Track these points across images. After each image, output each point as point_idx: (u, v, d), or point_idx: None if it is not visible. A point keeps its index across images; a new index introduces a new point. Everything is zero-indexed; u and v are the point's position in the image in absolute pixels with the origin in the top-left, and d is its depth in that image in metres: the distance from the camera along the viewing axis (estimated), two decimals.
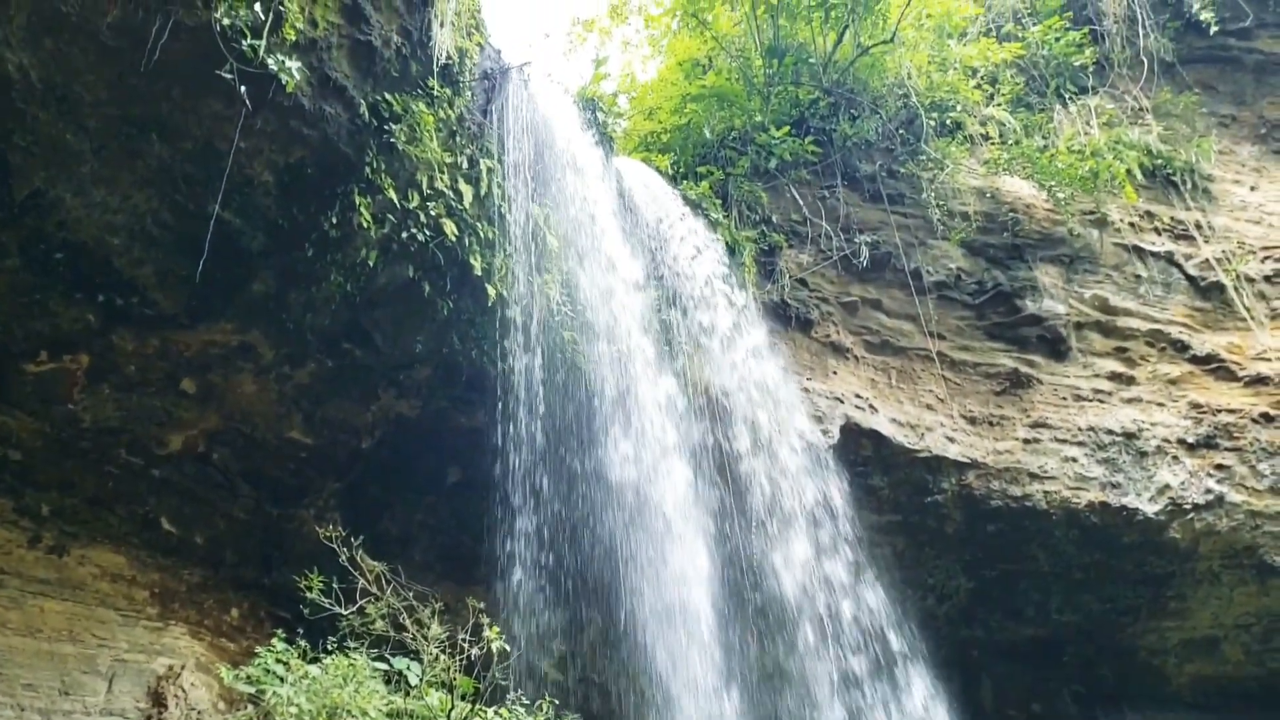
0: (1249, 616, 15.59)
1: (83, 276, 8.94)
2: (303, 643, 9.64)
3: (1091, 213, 16.19)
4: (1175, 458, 15.03)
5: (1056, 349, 15.35)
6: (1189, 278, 16.47)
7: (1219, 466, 15.06)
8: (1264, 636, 15.69)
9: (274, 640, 9.72)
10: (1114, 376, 15.48)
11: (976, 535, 14.44)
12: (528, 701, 10.34)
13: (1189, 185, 17.33)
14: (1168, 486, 14.79)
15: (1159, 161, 17.12)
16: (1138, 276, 16.23)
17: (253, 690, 9.13)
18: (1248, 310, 16.29)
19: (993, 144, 16.57)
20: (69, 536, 10.02)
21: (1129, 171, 16.10)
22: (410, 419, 11.16)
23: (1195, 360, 15.78)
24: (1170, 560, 14.97)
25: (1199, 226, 17.02)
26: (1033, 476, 14.40)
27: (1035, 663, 15.87)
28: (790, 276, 14.43)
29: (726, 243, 13.77)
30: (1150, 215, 16.80)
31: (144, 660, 9.95)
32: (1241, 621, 15.68)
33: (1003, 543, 14.55)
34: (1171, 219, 16.91)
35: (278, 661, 9.39)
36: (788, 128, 15.81)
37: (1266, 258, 16.74)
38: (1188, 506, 14.76)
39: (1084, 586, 15.19)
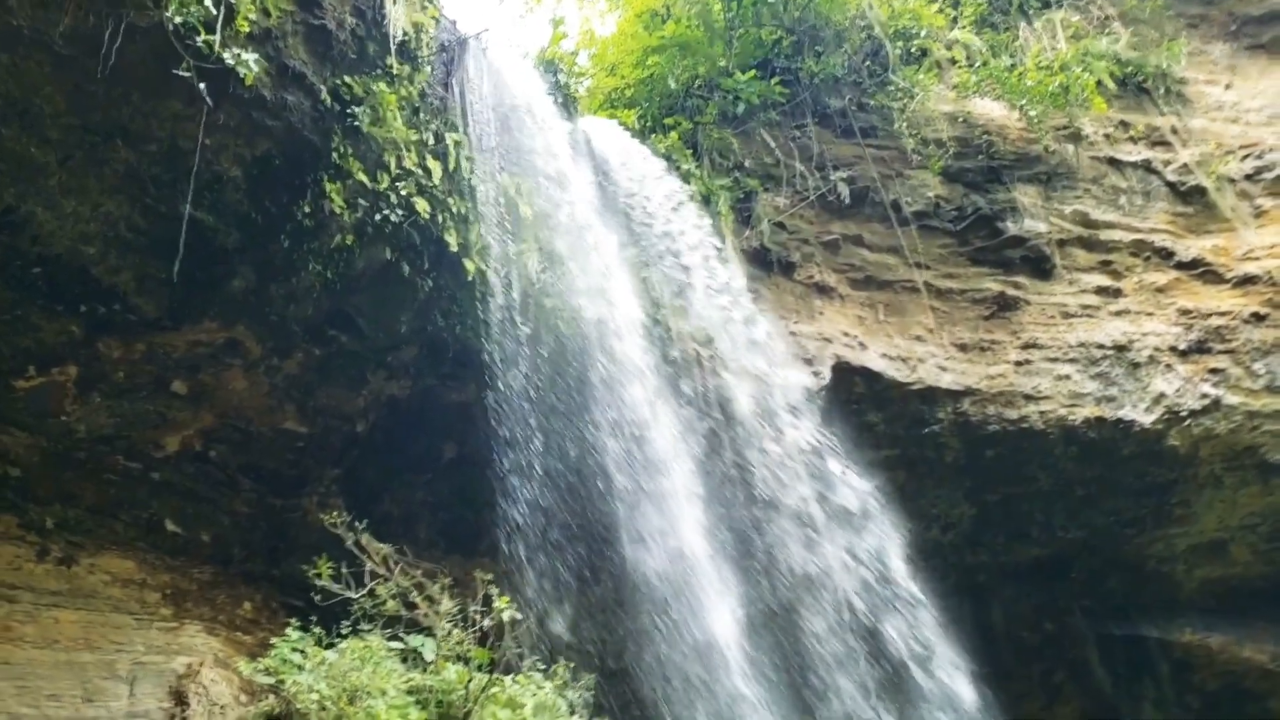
0: (1254, 516, 15.73)
1: (62, 288, 8.95)
2: (317, 629, 9.73)
3: (1065, 128, 16.13)
4: (1168, 366, 15.08)
5: (1041, 268, 15.36)
6: (1169, 184, 16.44)
7: (1213, 370, 15.12)
8: (1270, 535, 15.85)
9: (289, 630, 9.80)
10: (1101, 290, 15.50)
11: (976, 462, 14.52)
12: (543, 666, 10.48)
13: (1162, 91, 17.26)
14: (1163, 395, 14.86)
15: (1130, 70, 17.04)
16: (1117, 188, 16.20)
17: (272, 680, 9.23)
18: (1231, 211, 16.28)
19: (960, 68, 16.49)
20: (76, 547, 10.09)
21: (1099, 83, 16.03)
22: (402, 400, 11.20)
23: (1181, 266, 15.80)
24: (1171, 468, 15.07)
25: (1175, 131, 16.97)
26: (1027, 398, 14.46)
27: (1044, 582, 16.03)
28: (768, 221, 14.40)
29: (700, 193, 13.73)
30: (1125, 125, 16.74)
31: (162, 661, 10.05)
32: (1247, 522, 15.82)
33: (1002, 466, 14.64)
34: (1147, 126, 16.85)
35: (294, 650, 9.48)
36: (753, 71, 15.70)
37: (1246, 156, 16.69)
38: (1184, 413, 14.83)
39: (1087, 502, 15.30)
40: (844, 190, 14.87)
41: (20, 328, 9.05)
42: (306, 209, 9.41)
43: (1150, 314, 15.52)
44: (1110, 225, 15.94)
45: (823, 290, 14.32)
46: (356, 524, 9.53)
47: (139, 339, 9.60)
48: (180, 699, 9.82)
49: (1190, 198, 16.35)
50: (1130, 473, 14.98)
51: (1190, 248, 15.92)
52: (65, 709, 9.46)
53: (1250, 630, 16.39)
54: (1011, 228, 15.32)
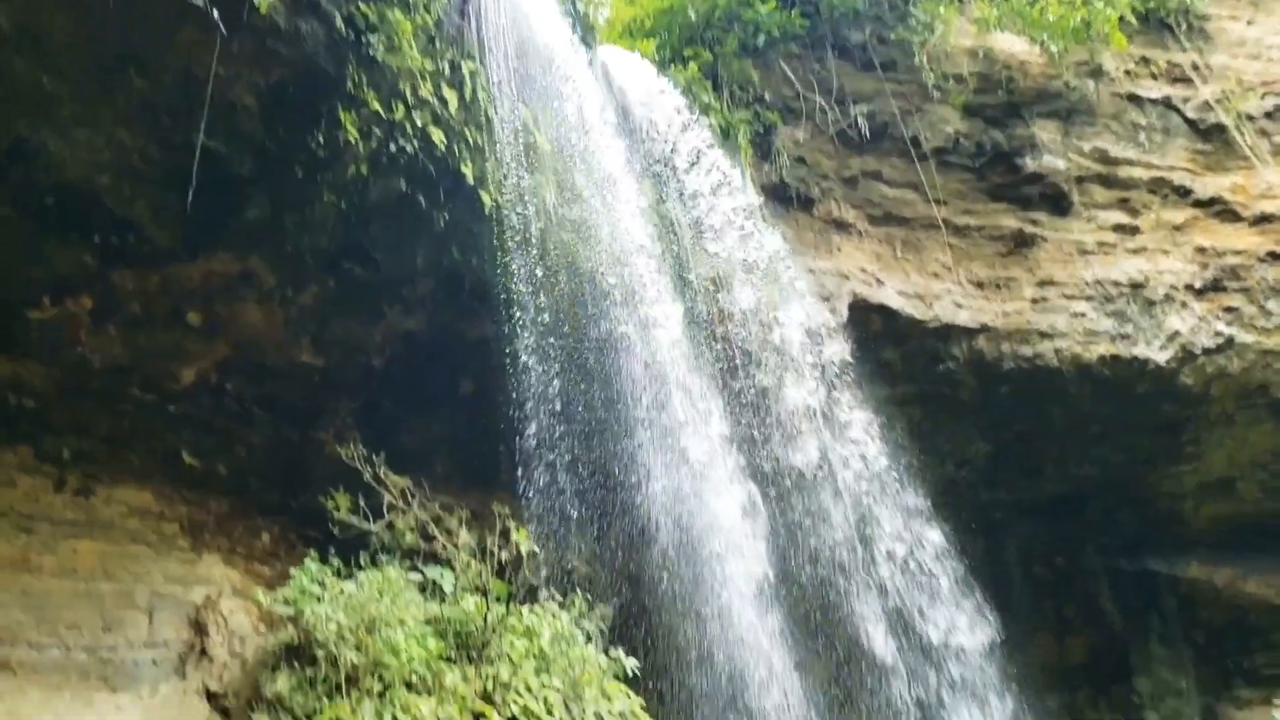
0: (1264, 454, 15.77)
1: (76, 218, 8.84)
2: (335, 561, 9.80)
3: (1086, 64, 15.87)
4: (1183, 304, 15.01)
5: (1059, 205, 15.22)
6: (1188, 121, 16.22)
7: (1227, 309, 15.06)
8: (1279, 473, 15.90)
9: (307, 561, 9.86)
10: (1118, 228, 15.36)
11: (991, 399, 14.52)
12: (560, 597, 10.55)
13: (1184, 26, 16.95)
14: (1177, 333, 14.81)
15: (1152, 4, 16.72)
16: (1136, 125, 15.99)
17: (291, 611, 9.29)
18: (1250, 149, 16.08)
19: (981, 2, 16.17)
20: (93, 478, 10.10)
21: (1121, 18, 15.73)
22: (418, 334, 11.14)
23: (1199, 204, 15.65)
24: (1184, 406, 15.07)
25: (1196, 68, 16.69)
26: (1043, 335, 14.41)
27: (1057, 519, 16.13)
28: (788, 155, 14.22)
29: (720, 126, 13.54)
30: (1146, 61, 16.47)
31: (181, 591, 10.11)
32: (1257, 460, 15.86)
33: (1017, 404, 14.63)
34: (1168, 63, 16.58)
35: (313, 581, 9.54)
36: (773, 2, 15.41)
37: (1266, 94, 16.45)
38: (1198, 351, 14.80)
39: (1100, 440, 15.34)
40: (862, 124, 14.67)
41: (34, 258, 8.96)
42: (321, 139, 9.26)
43: (1167, 252, 15.40)
44: (1129, 162, 15.75)
45: (841, 226, 14.20)
46: (374, 457, 9.53)
47: (153, 270, 9.51)
48: (200, 629, 9.90)
49: (1210, 135, 16.14)
50: (1143, 410, 14.98)
51: (1208, 186, 15.75)
52: (85, 638, 9.53)
53: (1255, 566, 16.55)
54: (1030, 164, 15.14)
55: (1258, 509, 16.34)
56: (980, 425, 14.84)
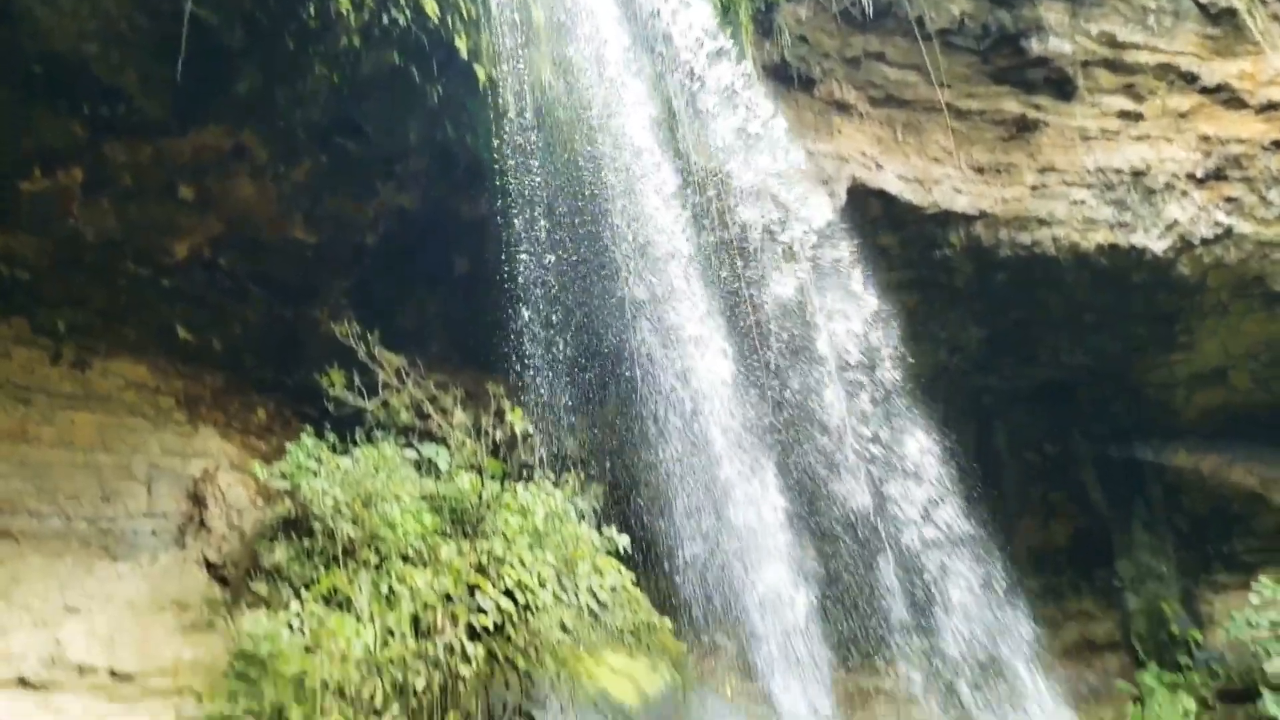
0: (1257, 345, 15.83)
1: (64, 88, 8.68)
2: (331, 437, 9.88)
3: None
4: (1184, 193, 14.89)
5: (1064, 90, 14.96)
6: (1199, 5, 15.83)
7: (1228, 199, 14.95)
8: (1271, 363, 15.98)
9: (303, 436, 9.94)
10: (1122, 114, 15.15)
11: (987, 286, 14.50)
12: (554, 477, 10.68)
13: None
14: (1176, 222, 14.73)
15: None
16: (1145, 8, 15.60)
17: (288, 485, 9.40)
18: (1260, 34, 15.75)
19: None
20: (89, 351, 10.13)
21: None
22: (411, 211, 11.04)
23: (1205, 91, 15.40)
24: (1179, 296, 15.08)
25: None
26: (1041, 222, 14.33)
27: (1047, 405, 16.28)
28: (790, 33, 13.90)
29: (720, 1, 13.21)
30: None
31: (179, 464, 10.23)
32: (1249, 350, 15.94)
33: (1013, 291, 14.63)
34: None
35: (309, 456, 9.62)
36: None
37: None
38: (1196, 241, 14.75)
39: (1095, 328, 15.38)
40: (867, 3, 14.31)
41: (23, 128, 8.83)
42: (311, 9, 9.03)
43: (1170, 139, 15.21)
44: (1136, 47, 15.42)
45: (842, 108, 13.97)
46: (368, 335, 9.53)
47: (145, 142, 9.39)
48: (198, 501, 10.04)
49: (1220, 19, 15.77)
50: (1139, 299, 15.00)
51: (1215, 72, 15.47)
52: (84, 508, 9.68)
53: (1241, 455, 16.77)
54: (1036, 48, 14.82)
55: (1247, 399, 16.47)
56: (975, 312, 14.85)
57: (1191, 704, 15.59)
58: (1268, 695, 14.58)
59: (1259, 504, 16.55)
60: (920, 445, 12.99)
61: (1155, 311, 15.23)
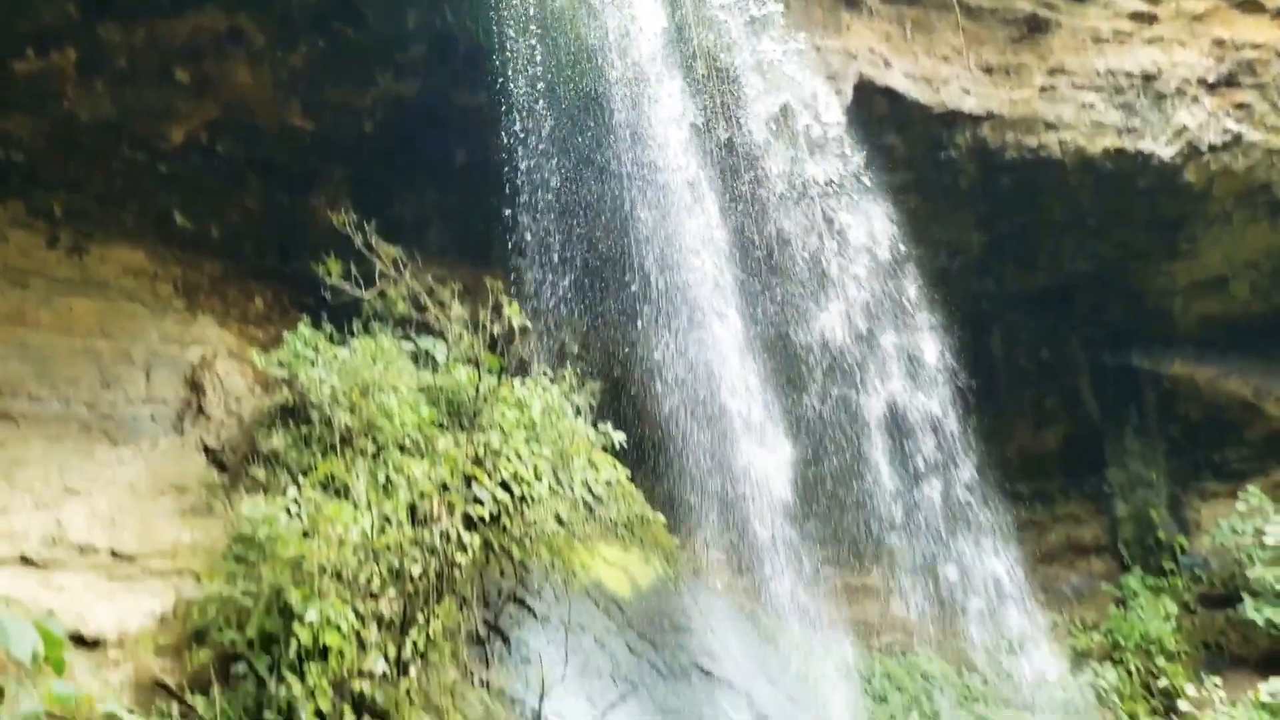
0: (1258, 254, 15.77)
1: None
2: (328, 327, 9.90)
3: None
4: (1194, 98, 14.67)
5: None
6: None
7: (1239, 105, 14.73)
8: (1272, 273, 15.94)
9: (300, 325, 9.96)
10: (1136, 16, 14.81)
11: (990, 189, 14.37)
12: (550, 373, 10.72)
13: None
14: (1185, 128, 14.54)
15: None
16: None
17: (285, 373, 9.45)
18: None
19: None
20: (86, 236, 10.11)
21: None
22: (410, 99, 10.90)
23: None
24: (1183, 203, 14.97)
25: None
26: (1049, 126, 14.13)
27: (1045, 311, 16.26)
28: None
29: None
30: None
31: (177, 351, 10.28)
32: (1251, 260, 15.88)
33: (1017, 195, 14.49)
34: None
35: (307, 345, 9.66)
36: None
37: None
38: (1204, 148, 14.58)
39: (1097, 234, 15.29)
40: None
41: (16, 8, 8.71)
42: None
43: (1183, 43, 14.91)
44: None
45: (851, 4, 13.61)
46: (365, 225, 9.47)
47: (139, 23, 9.26)
48: (196, 387, 10.11)
49: None
50: (1143, 206, 14.89)
51: None
52: (83, 392, 9.75)
53: (1237, 364, 16.80)
54: None
55: (1246, 309, 16.46)
56: (977, 215, 14.75)
57: (1173, 608, 15.91)
58: (1248, 600, 14.88)
59: (1252, 413, 16.65)
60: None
61: (1158, 219, 15.13)
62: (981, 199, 14.50)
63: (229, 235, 10.93)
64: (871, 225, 12.88)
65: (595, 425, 11.01)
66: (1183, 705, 14.30)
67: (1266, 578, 14.73)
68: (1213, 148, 14.58)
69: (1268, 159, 14.72)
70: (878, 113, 13.35)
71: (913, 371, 13.19)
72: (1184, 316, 16.57)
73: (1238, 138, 14.61)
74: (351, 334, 9.86)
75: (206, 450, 9.62)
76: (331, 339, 9.76)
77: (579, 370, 11.07)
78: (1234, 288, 16.18)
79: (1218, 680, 14.40)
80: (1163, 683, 14.89)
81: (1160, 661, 15.16)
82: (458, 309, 9.64)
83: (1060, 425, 17.40)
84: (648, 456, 12.66)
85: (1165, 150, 14.39)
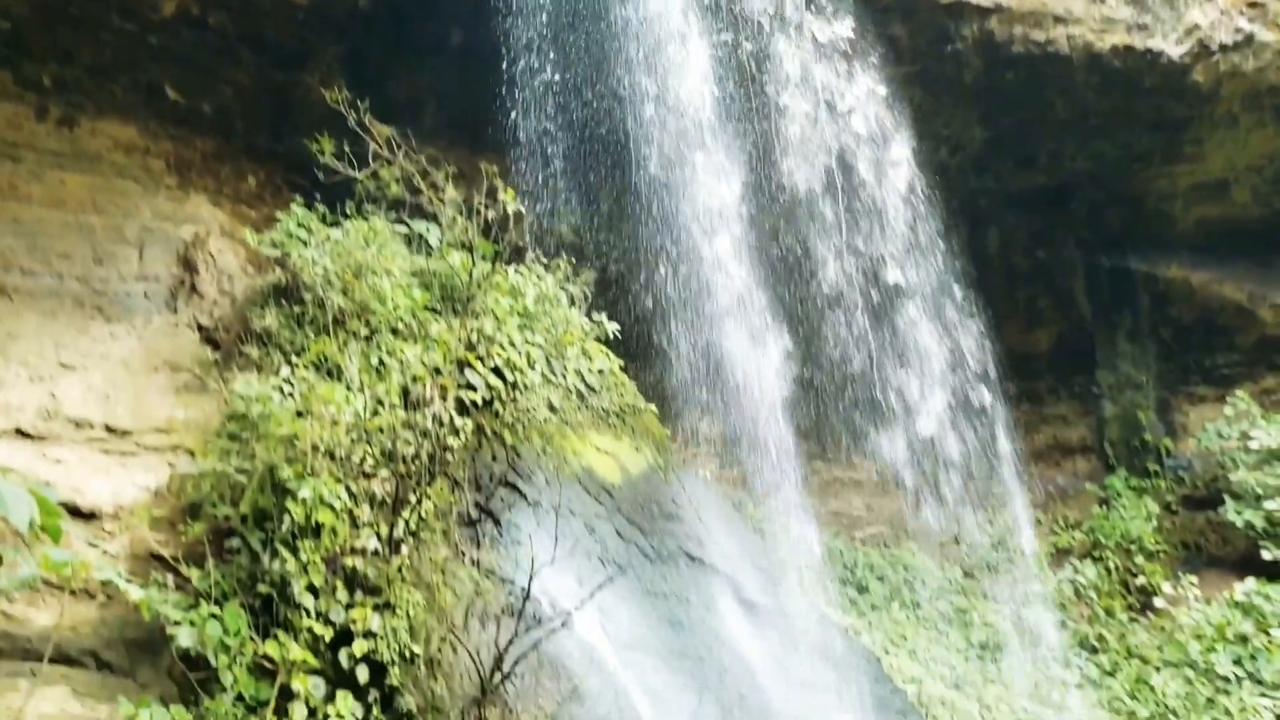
0: (1262, 159, 15.61)
1: None
2: (321, 208, 9.83)
3: None
4: None
5: None
6: None
7: (1252, 4, 14.44)
8: (1274, 178, 15.81)
9: (293, 205, 9.89)
10: None
11: (994, 84, 14.14)
12: (545, 261, 10.68)
13: None
14: (1196, 27, 14.27)
15: None
16: None
17: (278, 253, 9.42)
18: None
19: None
20: (76, 108, 9.95)
21: None
22: None
23: None
24: (1190, 104, 14.76)
25: None
26: (1057, 20, 13.85)
27: (1043, 210, 16.16)
28: None
29: None
30: None
31: (170, 228, 10.21)
32: (1254, 164, 15.72)
33: (1021, 90, 14.27)
34: None
35: (300, 226, 9.61)
36: None
37: None
38: (1214, 48, 14.33)
39: (1100, 133, 15.12)
40: None
41: None
42: None
43: None
44: None
45: None
46: (359, 103, 9.31)
47: None
48: (189, 266, 10.06)
49: None
50: (1148, 106, 14.69)
51: None
52: (76, 268, 9.71)
53: (1233, 269, 16.77)
54: None
55: (1245, 213, 16.36)
56: (980, 110, 14.56)
57: (1155, 508, 16.16)
58: (1230, 503, 15.11)
59: (1245, 318, 16.67)
60: None
61: (1163, 119, 14.94)
62: (985, 94, 14.29)
63: (221, 112, 10.76)
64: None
65: (589, 315, 11.03)
66: (1158, 602, 14.65)
67: (1249, 481, 14.94)
68: (1223, 47, 14.32)
69: (1277, 60, 14.48)
70: (884, 2, 13.08)
71: None
72: (1183, 220, 16.48)
73: (1249, 38, 14.35)
74: (345, 215, 9.80)
75: (199, 328, 9.63)
76: (324, 220, 9.70)
77: (573, 259, 11.04)
78: (1235, 192, 16.05)
79: (1194, 579, 14.73)
80: (1140, 580, 15.19)
81: (1139, 560, 15.45)
82: (452, 192, 9.55)
83: (1052, 326, 17.45)
84: (641, 348, 12.71)
85: (1175, 49, 14.14)
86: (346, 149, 9.35)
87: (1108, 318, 17.28)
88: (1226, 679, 12.71)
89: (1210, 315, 16.87)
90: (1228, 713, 12.15)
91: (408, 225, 10.03)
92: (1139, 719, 12.43)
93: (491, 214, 9.43)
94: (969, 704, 12.34)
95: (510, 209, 9.45)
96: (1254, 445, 15.25)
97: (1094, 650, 14.02)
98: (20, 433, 8.22)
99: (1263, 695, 12.34)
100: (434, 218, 9.91)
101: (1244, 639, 13.16)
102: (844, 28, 12.42)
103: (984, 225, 16.22)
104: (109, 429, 8.50)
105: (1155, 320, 17.19)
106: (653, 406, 11.44)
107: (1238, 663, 12.89)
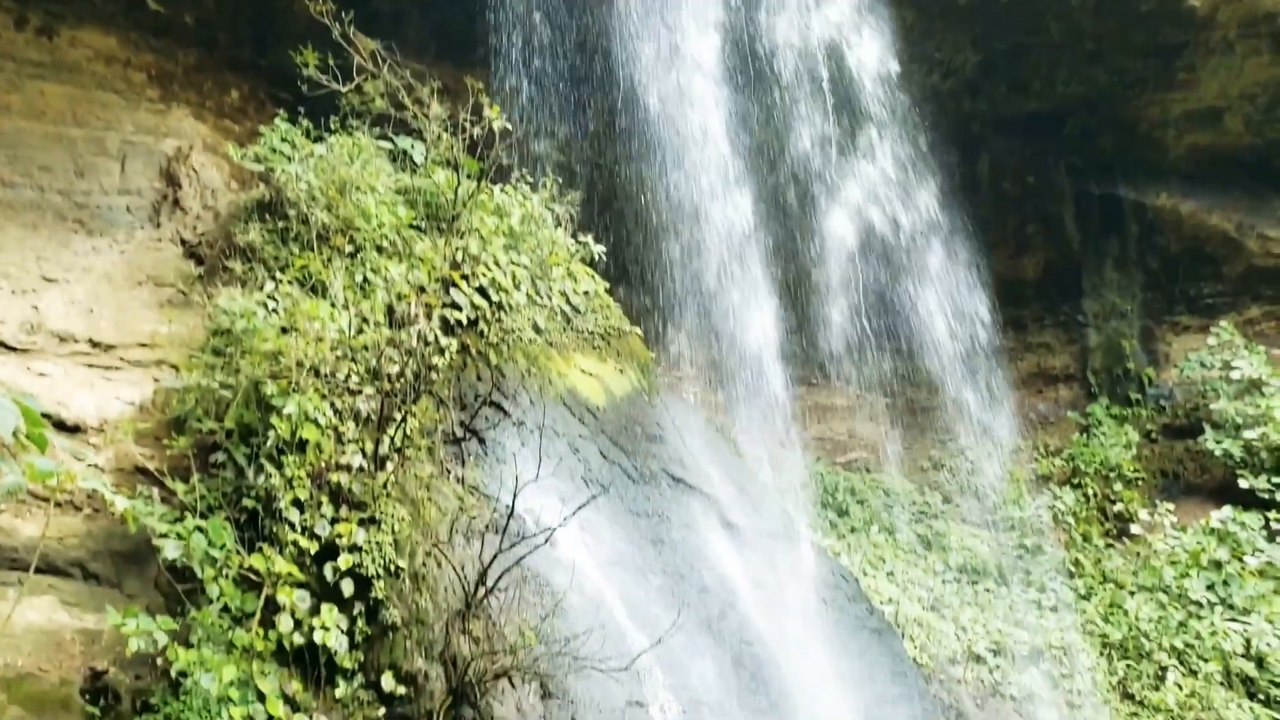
0: (1256, 87, 15.48)
1: None
2: (305, 123, 9.72)
3: None
4: None
5: None
6: None
7: None
8: (1267, 107, 15.69)
9: (277, 120, 9.78)
10: None
11: (989, 5, 13.92)
12: (531, 181, 10.61)
13: None
14: None
15: None
16: None
17: (262, 169, 9.33)
18: None
19: None
20: (55, 18, 9.79)
21: None
22: None
23: None
24: (1185, 29, 14.60)
25: None
26: None
27: (1034, 136, 16.03)
28: None
29: None
30: None
31: (152, 142, 10.09)
32: (1248, 92, 15.59)
33: (1015, 13, 14.07)
34: None
35: (283, 140, 9.51)
36: None
37: None
38: None
39: (1094, 58, 14.96)
40: None
41: None
42: None
43: None
44: None
45: None
46: (343, 15, 9.15)
47: None
48: (172, 180, 9.97)
49: None
50: (1143, 30, 14.52)
51: None
52: (58, 180, 9.61)
53: (1223, 199, 16.73)
54: None
55: (1237, 142, 16.26)
56: (973, 33, 14.36)
57: (1135, 436, 16.33)
58: (1209, 432, 15.27)
59: (1233, 248, 16.66)
60: None
61: (1158, 45, 14.77)
62: (979, 16, 14.09)
63: (203, 23, 10.57)
64: None
65: (575, 236, 10.98)
66: (1135, 528, 14.87)
67: (1229, 411, 15.10)
68: None
69: None
70: None
71: None
72: (1174, 148, 16.37)
73: None
74: (329, 131, 9.70)
75: (183, 243, 9.56)
76: (309, 135, 9.60)
77: (560, 179, 10.97)
78: (1228, 120, 15.93)
79: (1170, 506, 14.94)
80: (1118, 507, 15.41)
81: (1118, 487, 15.64)
82: (437, 108, 9.45)
83: (1040, 253, 17.41)
84: (628, 271, 12.70)
85: None
86: (331, 62, 9.22)
87: (1096, 245, 17.25)
88: (1199, 604, 12.95)
89: (1198, 245, 16.86)
90: (1199, 636, 12.40)
91: (392, 141, 9.94)
92: (1111, 641, 12.67)
93: (477, 131, 9.34)
94: (945, 625, 12.57)
95: (496, 126, 9.36)
96: (1235, 375, 15.40)
97: (1070, 575, 14.25)
98: (3, 345, 8.20)
99: (1234, 620, 12.59)
100: (419, 134, 9.81)
101: (1218, 565, 13.39)
102: None
103: (975, 151, 16.10)
104: (92, 343, 8.48)
105: (1143, 249, 17.17)
106: (638, 329, 11.47)
107: (1211, 588, 13.13)
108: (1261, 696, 11.81)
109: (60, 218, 9.44)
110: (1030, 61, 14.95)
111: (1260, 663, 12.04)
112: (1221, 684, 11.91)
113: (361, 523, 7.57)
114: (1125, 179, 16.75)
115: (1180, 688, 11.90)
